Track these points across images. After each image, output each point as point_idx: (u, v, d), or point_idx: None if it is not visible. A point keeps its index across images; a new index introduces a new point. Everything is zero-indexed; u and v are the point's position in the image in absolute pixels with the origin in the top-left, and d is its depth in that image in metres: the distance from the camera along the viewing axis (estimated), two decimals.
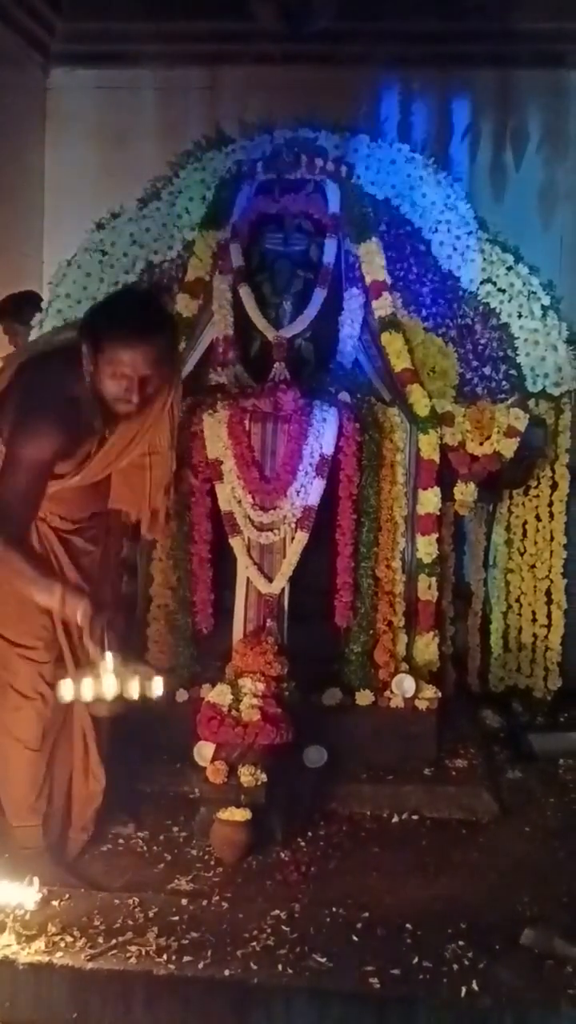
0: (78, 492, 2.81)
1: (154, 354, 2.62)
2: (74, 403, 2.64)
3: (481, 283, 3.91)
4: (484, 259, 3.92)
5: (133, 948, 2.36)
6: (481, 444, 3.73)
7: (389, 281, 3.86)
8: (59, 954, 2.33)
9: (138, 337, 2.60)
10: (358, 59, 5.18)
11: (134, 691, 2.55)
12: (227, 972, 2.33)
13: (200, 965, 2.34)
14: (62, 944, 2.36)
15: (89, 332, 2.62)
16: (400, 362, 3.81)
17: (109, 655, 2.53)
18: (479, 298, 3.90)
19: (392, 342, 3.82)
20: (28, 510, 2.65)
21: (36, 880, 2.50)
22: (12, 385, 2.69)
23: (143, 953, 2.35)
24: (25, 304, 4.22)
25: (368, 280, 3.85)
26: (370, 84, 5.22)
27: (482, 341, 3.90)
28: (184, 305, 3.87)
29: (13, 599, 2.69)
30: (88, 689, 2.51)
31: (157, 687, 2.58)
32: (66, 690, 2.55)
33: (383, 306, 3.84)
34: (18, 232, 5.34)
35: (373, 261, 3.85)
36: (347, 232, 3.86)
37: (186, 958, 2.36)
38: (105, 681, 2.52)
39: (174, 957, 2.35)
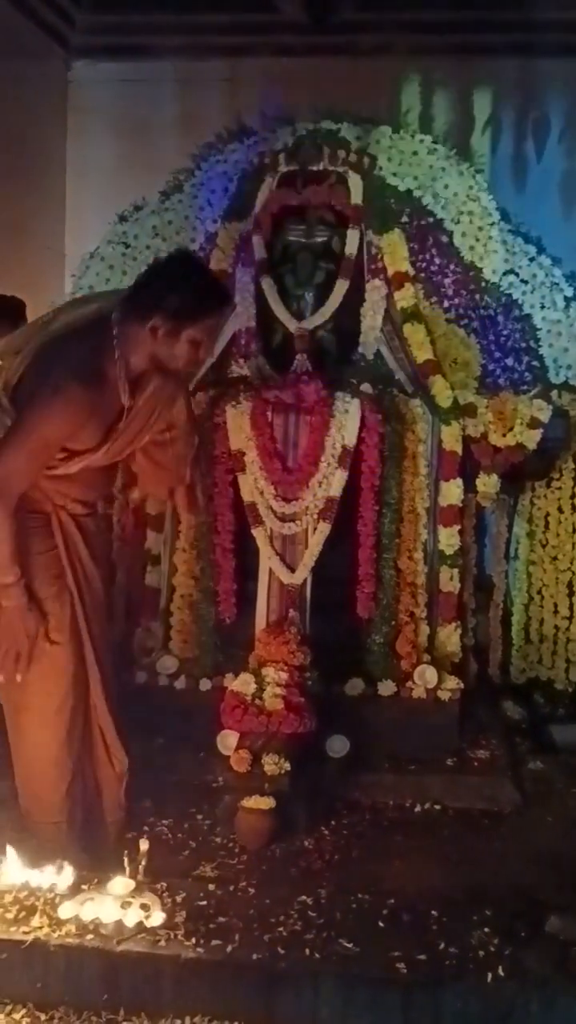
0: (97, 473, 2.81)
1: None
2: (103, 378, 2.63)
3: (503, 274, 3.90)
4: (506, 250, 3.91)
5: (162, 932, 2.39)
6: (504, 435, 3.72)
7: (411, 272, 3.86)
8: (89, 936, 2.37)
9: (221, 303, 2.74)
10: (380, 50, 5.18)
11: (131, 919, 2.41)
12: (255, 956, 2.36)
13: (228, 949, 2.37)
14: (92, 927, 2.39)
15: (173, 304, 2.59)
16: (422, 353, 3.81)
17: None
18: (501, 289, 3.90)
19: (414, 333, 3.82)
20: (23, 483, 2.63)
21: (66, 864, 2.53)
22: (40, 356, 2.66)
23: (172, 937, 2.38)
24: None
25: (390, 271, 3.85)
26: (392, 75, 5.21)
27: (504, 332, 3.90)
28: None
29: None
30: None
31: (156, 919, 2.43)
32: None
33: (405, 297, 3.84)
34: (40, 225, 5.38)
35: (395, 252, 3.85)
36: (369, 223, 3.86)
37: (214, 942, 2.38)
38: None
39: (202, 941, 2.38)
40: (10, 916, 2.43)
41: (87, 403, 2.59)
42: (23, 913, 2.44)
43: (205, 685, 3.58)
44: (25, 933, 2.37)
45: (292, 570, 3.50)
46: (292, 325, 3.78)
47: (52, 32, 5.31)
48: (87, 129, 5.48)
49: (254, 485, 3.52)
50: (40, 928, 2.39)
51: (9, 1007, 2.34)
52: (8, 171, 4.99)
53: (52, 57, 5.42)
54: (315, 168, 3.91)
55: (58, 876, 2.52)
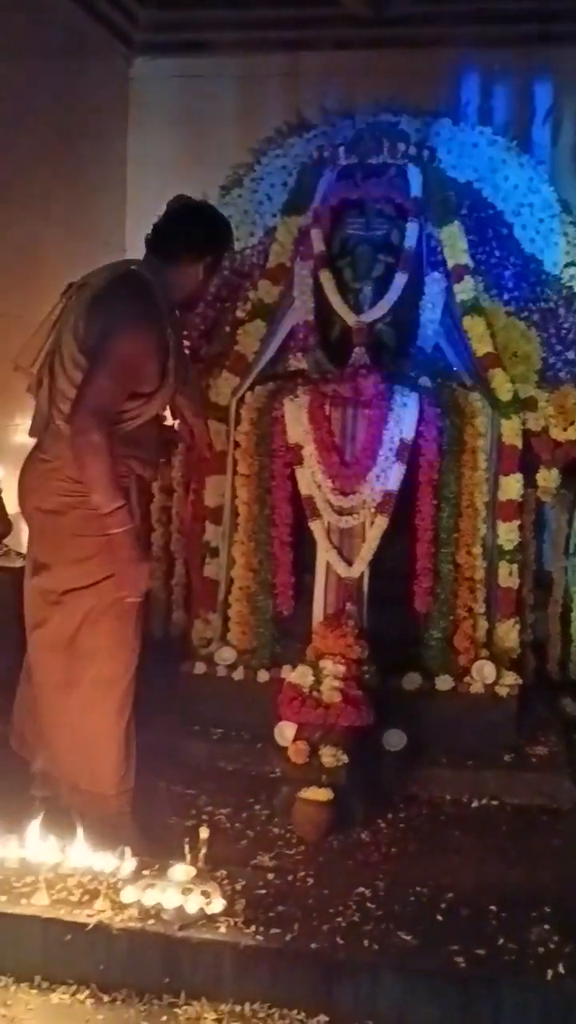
0: (151, 432, 2.96)
1: None
2: (152, 319, 2.80)
3: (564, 266, 3.86)
4: (567, 242, 3.88)
5: (222, 919, 2.42)
6: (564, 430, 3.69)
7: (471, 265, 3.83)
8: (151, 921, 2.41)
9: (228, 226, 3.10)
10: (439, 42, 5.13)
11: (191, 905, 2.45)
12: (314, 946, 2.38)
13: (287, 938, 2.39)
14: (154, 912, 2.42)
15: (216, 243, 2.99)
16: (482, 346, 3.78)
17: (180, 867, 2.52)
18: (562, 282, 3.86)
19: (474, 326, 3.79)
20: (112, 402, 2.75)
21: (128, 850, 2.58)
22: (98, 305, 2.81)
23: (232, 924, 2.41)
24: None
25: (450, 264, 3.83)
26: (451, 67, 5.16)
27: (565, 325, 3.86)
28: (266, 291, 3.90)
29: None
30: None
31: (216, 906, 2.46)
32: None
33: (465, 290, 3.81)
34: (101, 221, 5.43)
35: (455, 245, 3.83)
36: (429, 216, 3.84)
37: (273, 931, 2.41)
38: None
39: (262, 929, 2.41)
40: (74, 899, 2.49)
41: (151, 335, 2.78)
42: (87, 896, 2.49)
43: (263, 676, 3.61)
44: (89, 916, 2.42)
45: (349, 563, 3.50)
46: (351, 318, 3.77)
47: (115, 29, 5.36)
48: (147, 125, 5.53)
49: (312, 478, 3.53)
50: (103, 911, 2.43)
51: (73, 987, 2.39)
52: (70, 168, 5.06)
53: (114, 54, 5.47)
54: (374, 161, 3.90)
55: (121, 861, 2.56)
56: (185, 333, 3.64)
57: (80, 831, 2.63)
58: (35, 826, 2.64)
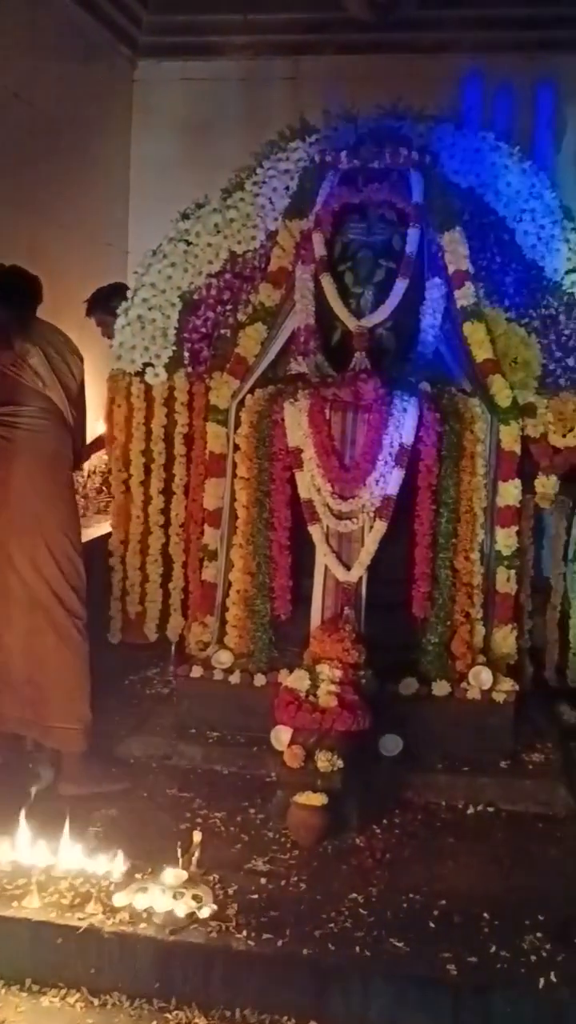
0: None
1: None
2: None
3: (566, 273, 3.85)
4: (569, 248, 3.86)
5: (214, 924, 2.41)
6: (564, 436, 3.69)
7: (472, 271, 3.82)
8: (142, 925, 2.40)
9: None
10: (442, 47, 5.14)
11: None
12: (305, 952, 2.37)
13: (279, 943, 2.39)
14: (145, 916, 2.42)
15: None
16: (482, 352, 3.78)
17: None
18: (563, 288, 3.85)
19: (474, 332, 3.79)
20: None
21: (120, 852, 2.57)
22: None
23: (223, 929, 2.41)
24: (113, 296, 4.32)
25: (451, 269, 3.82)
26: (454, 72, 5.15)
27: (566, 332, 3.84)
28: (267, 294, 3.90)
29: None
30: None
31: (208, 910, 2.46)
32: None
33: (465, 296, 3.81)
34: (104, 222, 5.45)
35: (456, 250, 3.82)
36: (430, 221, 3.83)
37: (265, 935, 2.41)
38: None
39: (253, 934, 2.40)
40: (65, 902, 2.48)
41: None
42: (78, 900, 2.49)
43: (260, 680, 3.60)
44: (80, 919, 2.42)
45: (348, 568, 3.50)
46: (351, 323, 3.77)
47: (119, 32, 5.37)
48: (151, 128, 5.54)
49: (311, 482, 3.52)
50: (94, 915, 2.43)
51: (64, 991, 2.39)
52: (73, 169, 5.07)
53: (118, 57, 5.48)
54: (376, 166, 3.89)
55: (112, 864, 2.56)
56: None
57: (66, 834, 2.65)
58: (24, 828, 2.64)
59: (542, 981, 2.29)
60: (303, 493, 3.54)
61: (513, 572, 3.69)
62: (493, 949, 2.41)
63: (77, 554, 3.40)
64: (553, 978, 2.30)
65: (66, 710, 3.31)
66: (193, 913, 2.42)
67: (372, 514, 3.47)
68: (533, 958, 2.38)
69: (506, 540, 3.68)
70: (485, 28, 5.13)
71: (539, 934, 2.47)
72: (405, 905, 2.60)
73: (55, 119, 4.84)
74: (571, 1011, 2.26)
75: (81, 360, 3.52)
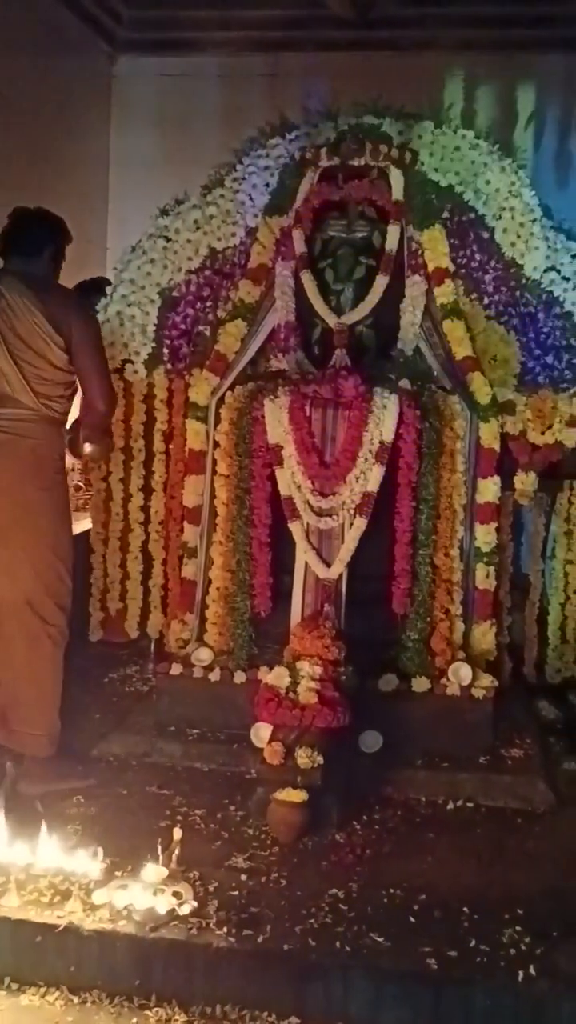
0: None
1: None
2: None
3: (545, 271, 3.86)
4: (548, 247, 3.87)
5: (194, 920, 2.41)
6: (542, 433, 3.71)
7: (452, 268, 3.84)
8: (122, 923, 2.39)
9: None
10: (423, 45, 5.15)
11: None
12: (286, 947, 2.37)
13: (259, 939, 2.39)
14: (125, 913, 2.41)
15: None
16: (462, 350, 3.79)
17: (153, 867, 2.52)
18: (542, 286, 3.86)
19: (454, 330, 3.80)
20: None
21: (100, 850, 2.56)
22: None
23: (204, 925, 2.40)
24: (93, 290, 4.31)
25: (431, 267, 3.83)
26: (435, 70, 5.17)
27: (545, 330, 3.86)
28: (247, 291, 3.90)
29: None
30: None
31: (188, 907, 2.46)
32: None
33: (445, 293, 3.82)
34: (83, 218, 5.39)
35: (436, 248, 3.83)
36: (410, 219, 3.84)
37: (245, 932, 2.40)
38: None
39: (234, 931, 2.40)
40: (45, 900, 2.47)
41: None
42: (58, 897, 2.48)
43: (240, 677, 3.60)
44: (59, 917, 2.41)
45: (328, 565, 3.50)
46: (331, 320, 3.77)
47: (98, 27, 5.34)
48: (130, 123, 5.52)
49: (291, 479, 3.53)
50: (74, 913, 2.42)
51: (43, 989, 2.38)
52: (52, 165, 5.04)
53: (97, 52, 5.46)
54: (356, 163, 3.89)
55: (92, 862, 2.55)
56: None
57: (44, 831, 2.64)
58: (2, 826, 2.63)
59: (521, 974, 2.30)
60: (283, 490, 3.54)
61: (492, 568, 3.71)
62: (473, 943, 2.42)
63: (60, 561, 3.30)
64: (532, 971, 2.31)
65: (32, 717, 3.26)
66: (173, 910, 2.42)
67: (352, 511, 3.48)
68: (512, 952, 2.39)
69: (485, 537, 3.70)
70: (465, 27, 5.14)
71: (518, 928, 2.48)
72: (385, 900, 2.61)
73: (33, 115, 4.81)
74: (550, 1004, 2.27)
75: (75, 312, 3.29)
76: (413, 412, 3.51)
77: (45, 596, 3.28)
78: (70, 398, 3.38)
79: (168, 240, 4.01)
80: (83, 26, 5.20)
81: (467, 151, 3.94)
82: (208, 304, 4.01)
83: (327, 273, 3.84)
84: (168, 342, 3.97)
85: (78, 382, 3.30)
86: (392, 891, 2.65)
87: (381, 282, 3.79)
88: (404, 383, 3.63)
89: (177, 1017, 2.30)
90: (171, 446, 4.07)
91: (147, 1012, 2.32)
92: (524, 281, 3.86)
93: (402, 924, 2.50)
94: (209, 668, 3.66)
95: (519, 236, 3.88)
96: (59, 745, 3.30)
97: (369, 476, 3.48)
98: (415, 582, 3.57)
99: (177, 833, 2.59)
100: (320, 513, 3.50)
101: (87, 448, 3.35)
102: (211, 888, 2.58)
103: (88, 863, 2.55)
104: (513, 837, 3.12)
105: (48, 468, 3.33)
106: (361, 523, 3.48)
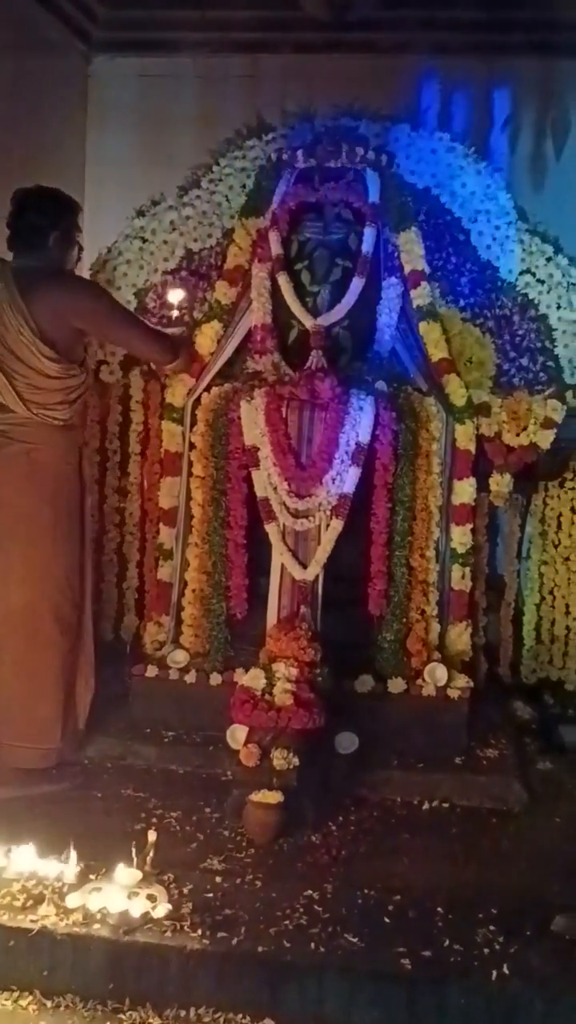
0: None
1: None
2: None
3: (520, 273, 3.90)
4: (523, 249, 3.91)
5: (168, 923, 2.40)
6: (517, 435, 3.73)
7: (428, 270, 3.85)
8: (96, 926, 2.38)
9: None
10: (400, 48, 5.15)
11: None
12: (260, 949, 2.37)
13: (234, 941, 2.38)
14: (99, 917, 2.40)
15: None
16: (437, 352, 3.81)
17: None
18: (518, 289, 3.89)
19: (430, 332, 3.82)
20: None
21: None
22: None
23: (178, 928, 2.40)
24: None
25: (407, 269, 3.84)
26: (411, 73, 5.18)
27: (520, 332, 3.89)
28: (223, 292, 3.89)
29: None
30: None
31: (162, 910, 2.45)
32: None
33: (421, 295, 3.83)
34: None
35: (412, 250, 3.84)
36: (386, 221, 3.84)
37: (220, 934, 2.40)
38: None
39: (208, 933, 2.40)
40: (18, 904, 2.46)
41: None
42: (31, 901, 2.46)
43: (215, 679, 3.60)
44: (32, 921, 2.40)
45: (304, 566, 3.50)
46: (308, 322, 3.77)
47: (74, 27, 5.31)
48: (106, 124, 5.49)
49: (267, 481, 3.52)
50: (47, 917, 2.41)
51: (16, 993, 2.36)
52: (27, 165, 4.98)
53: (73, 52, 5.42)
54: (333, 165, 3.89)
55: (66, 865, 2.53)
56: None
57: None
58: None
59: (495, 973, 2.31)
60: (259, 491, 3.54)
61: (468, 569, 3.73)
62: (447, 943, 2.43)
63: (61, 572, 3.29)
64: (506, 970, 2.32)
65: (26, 731, 3.26)
66: (147, 913, 2.41)
67: (328, 512, 3.48)
68: (486, 951, 2.40)
69: (461, 538, 3.72)
70: (441, 30, 5.15)
71: (492, 927, 2.49)
72: (360, 901, 2.61)
73: (7, 114, 4.78)
74: (523, 1002, 2.28)
75: (68, 302, 3.21)
76: (389, 414, 3.52)
77: (42, 608, 3.25)
78: (74, 403, 3.30)
79: (144, 241, 4.01)
80: (58, 25, 5.16)
81: (443, 154, 3.97)
82: (184, 306, 4.00)
83: (303, 275, 3.83)
84: None
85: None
86: (367, 892, 2.65)
87: (357, 284, 3.78)
88: (380, 385, 3.64)
89: (151, 1020, 2.29)
90: (147, 448, 4.06)
91: (121, 1016, 2.31)
92: (499, 283, 3.89)
93: (376, 924, 2.50)
94: (185, 670, 3.65)
95: (494, 239, 3.91)
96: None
97: (345, 478, 3.48)
98: (391, 583, 3.58)
99: (152, 836, 2.58)
100: (296, 515, 3.49)
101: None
102: (186, 890, 2.57)
103: (62, 867, 2.54)
104: (487, 837, 3.14)
105: (47, 476, 3.23)
106: (337, 525, 3.48)
